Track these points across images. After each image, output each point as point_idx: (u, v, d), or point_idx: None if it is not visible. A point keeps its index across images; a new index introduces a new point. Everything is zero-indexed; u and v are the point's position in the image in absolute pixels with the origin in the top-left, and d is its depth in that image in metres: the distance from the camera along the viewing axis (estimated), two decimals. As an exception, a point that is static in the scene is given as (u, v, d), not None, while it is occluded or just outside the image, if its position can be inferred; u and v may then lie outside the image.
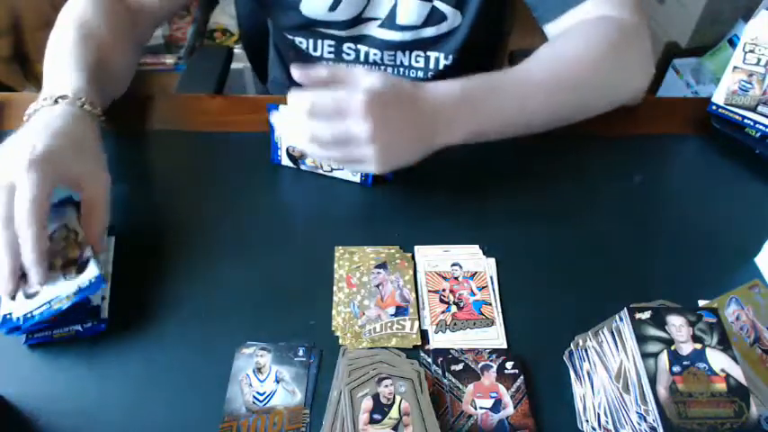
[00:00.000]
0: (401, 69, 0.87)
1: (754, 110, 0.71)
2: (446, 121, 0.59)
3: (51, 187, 0.51)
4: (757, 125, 0.71)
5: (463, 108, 0.60)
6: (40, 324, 0.52)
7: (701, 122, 0.75)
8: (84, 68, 0.62)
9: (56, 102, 0.57)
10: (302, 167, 0.68)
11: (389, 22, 0.81)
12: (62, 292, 0.52)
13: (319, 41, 0.85)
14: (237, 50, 1.16)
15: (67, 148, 0.54)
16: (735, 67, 0.71)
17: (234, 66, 1.07)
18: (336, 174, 0.67)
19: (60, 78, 0.61)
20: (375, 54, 0.85)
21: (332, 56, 0.86)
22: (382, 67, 0.86)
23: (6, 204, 0.50)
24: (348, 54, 0.86)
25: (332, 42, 0.85)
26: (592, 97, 0.68)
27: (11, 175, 0.50)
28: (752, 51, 0.69)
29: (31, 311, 0.52)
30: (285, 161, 0.68)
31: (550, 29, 0.74)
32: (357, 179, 0.66)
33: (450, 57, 0.85)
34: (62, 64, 0.63)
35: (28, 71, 1.55)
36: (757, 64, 0.69)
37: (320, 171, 0.68)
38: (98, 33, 0.67)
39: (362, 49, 0.85)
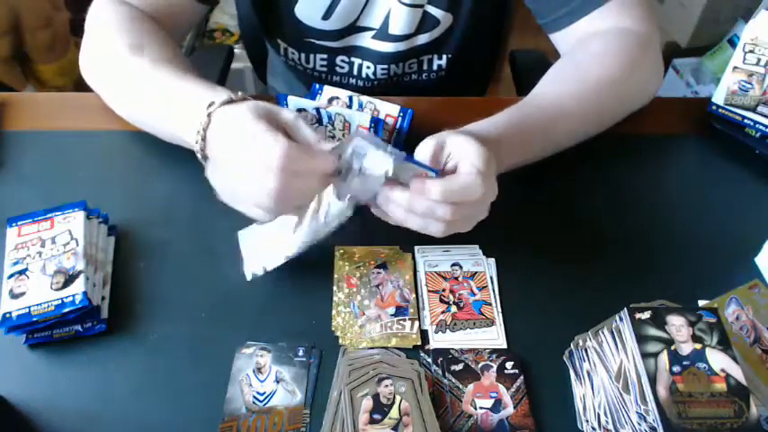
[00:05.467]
0: (395, 79, 0.86)
1: (753, 110, 0.71)
2: None
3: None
4: (757, 125, 0.71)
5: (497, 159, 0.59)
6: (19, 326, 0.52)
7: (701, 122, 0.75)
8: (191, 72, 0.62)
9: (230, 100, 0.55)
10: None
11: (382, 33, 0.80)
12: (45, 299, 0.53)
13: (311, 55, 0.84)
14: (238, 50, 1.16)
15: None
16: (735, 68, 0.71)
17: (234, 65, 1.07)
18: None
19: (204, 93, 0.58)
20: (368, 67, 0.84)
21: (324, 69, 0.86)
22: (375, 82, 0.86)
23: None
24: (341, 67, 0.85)
25: (324, 55, 0.84)
26: (613, 116, 0.70)
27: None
28: (752, 51, 0.69)
29: (11, 312, 0.52)
30: None
31: (558, 38, 0.74)
32: None
33: (444, 57, 0.84)
34: (178, 85, 0.60)
35: (28, 71, 1.55)
36: (757, 64, 0.69)
37: None
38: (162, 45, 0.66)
39: (356, 61, 0.84)
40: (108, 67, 0.67)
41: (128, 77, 0.65)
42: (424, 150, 0.54)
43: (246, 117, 0.51)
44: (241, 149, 0.50)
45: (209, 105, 0.54)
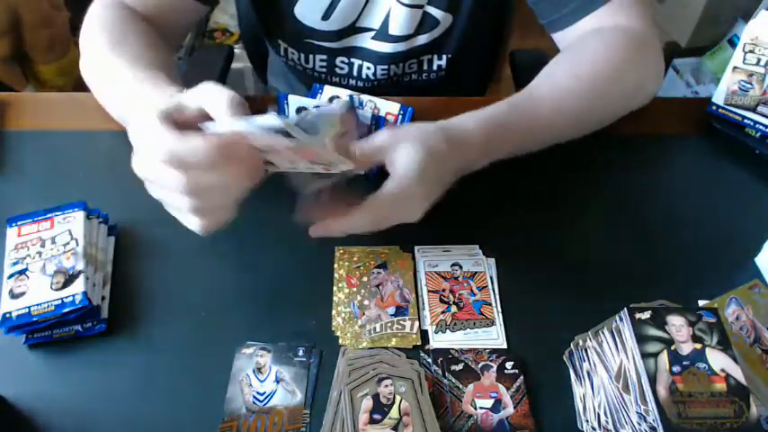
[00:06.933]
0: (394, 79, 0.86)
1: (753, 110, 0.71)
2: (467, 164, 0.60)
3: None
4: (757, 125, 0.71)
5: (484, 151, 0.60)
6: (19, 326, 0.52)
7: (701, 122, 0.75)
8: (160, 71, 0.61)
9: None
10: None
11: (382, 33, 0.80)
12: (45, 299, 0.53)
13: (311, 56, 0.84)
14: (238, 50, 1.16)
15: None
16: (735, 68, 0.71)
17: (234, 65, 1.07)
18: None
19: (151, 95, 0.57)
20: (368, 68, 0.84)
21: (324, 69, 0.85)
22: (375, 82, 0.86)
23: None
24: (341, 68, 0.85)
25: (324, 57, 0.84)
26: (608, 114, 0.70)
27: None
28: (752, 51, 0.69)
29: (11, 312, 0.52)
30: None
31: (560, 37, 0.74)
32: (361, 171, 0.67)
33: (444, 57, 0.84)
34: (140, 86, 0.59)
35: (28, 71, 1.55)
36: (757, 64, 0.69)
37: None
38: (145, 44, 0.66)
39: (356, 62, 0.84)
40: (90, 66, 0.68)
41: (102, 77, 0.66)
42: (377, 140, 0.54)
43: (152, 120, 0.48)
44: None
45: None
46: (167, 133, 0.46)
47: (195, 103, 0.49)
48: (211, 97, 0.48)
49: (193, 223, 0.50)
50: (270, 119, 0.45)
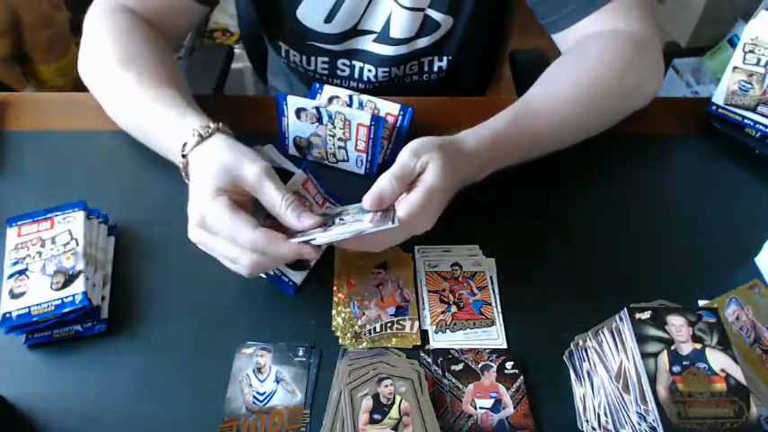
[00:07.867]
0: (395, 81, 0.86)
1: (753, 110, 0.71)
2: (470, 175, 0.61)
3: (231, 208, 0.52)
4: (757, 125, 0.71)
5: (486, 166, 0.62)
6: (19, 326, 0.52)
7: (701, 122, 0.75)
8: (181, 99, 0.62)
9: (200, 138, 0.56)
10: (308, 158, 0.69)
11: (383, 36, 0.80)
12: (45, 299, 0.53)
13: (312, 58, 0.84)
14: (238, 50, 1.16)
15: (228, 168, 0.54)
16: (735, 68, 0.70)
17: (234, 65, 1.07)
18: (341, 165, 0.67)
19: (177, 124, 0.59)
20: (369, 70, 0.84)
21: (325, 72, 0.86)
22: (376, 84, 0.86)
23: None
24: (342, 70, 0.85)
25: (325, 59, 0.84)
26: (609, 118, 0.71)
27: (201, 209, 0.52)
28: (752, 51, 0.69)
29: (11, 312, 0.52)
30: (292, 150, 0.69)
31: (560, 38, 0.74)
32: (361, 171, 0.67)
33: (445, 58, 0.85)
34: (163, 110, 0.61)
35: (28, 71, 1.55)
36: (757, 64, 0.69)
37: (326, 162, 0.68)
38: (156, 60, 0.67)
39: (357, 64, 0.84)
40: (100, 76, 0.68)
41: (115, 91, 0.66)
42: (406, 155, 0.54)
43: (209, 193, 0.52)
44: (213, 229, 0.52)
45: (184, 146, 0.56)
46: (251, 230, 0.50)
47: (251, 190, 0.53)
48: (271, 199, 0.52)
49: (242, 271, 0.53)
50: (363, 226, 0.50)
